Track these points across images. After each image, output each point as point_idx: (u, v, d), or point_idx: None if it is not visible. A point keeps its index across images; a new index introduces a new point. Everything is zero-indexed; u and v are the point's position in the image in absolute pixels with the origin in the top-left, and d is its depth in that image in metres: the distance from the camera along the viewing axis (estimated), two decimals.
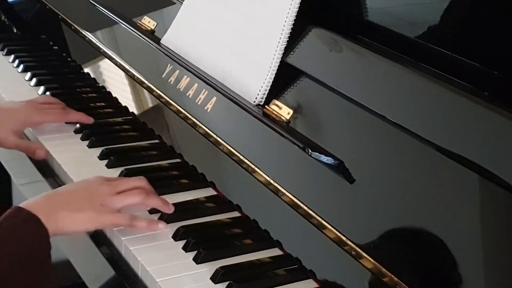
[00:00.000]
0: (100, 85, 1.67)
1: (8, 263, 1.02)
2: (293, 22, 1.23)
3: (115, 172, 1.31)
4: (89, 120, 1.47)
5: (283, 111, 1.21)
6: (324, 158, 1.08)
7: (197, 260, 1.10)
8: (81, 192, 1.14)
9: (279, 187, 1.14)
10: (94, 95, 1.64)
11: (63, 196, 1.13)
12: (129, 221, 1.14)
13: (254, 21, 1.30)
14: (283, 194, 1.13)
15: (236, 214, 1.22)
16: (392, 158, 1.04)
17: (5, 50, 1.84)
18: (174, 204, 1.22)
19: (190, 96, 1.36)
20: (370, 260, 0.99)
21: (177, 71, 1.41)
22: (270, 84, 1.25)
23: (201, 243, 1.12)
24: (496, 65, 1.04)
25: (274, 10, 1.26)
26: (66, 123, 1.48)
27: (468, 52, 1.08)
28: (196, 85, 1.35)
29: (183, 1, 1.47)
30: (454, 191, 0.95)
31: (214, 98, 1.31)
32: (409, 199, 1.00)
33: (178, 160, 1.38)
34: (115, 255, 1.16)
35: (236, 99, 1.27)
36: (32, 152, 1.40)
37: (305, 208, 1.09)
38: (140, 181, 1.20)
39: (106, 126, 1.50)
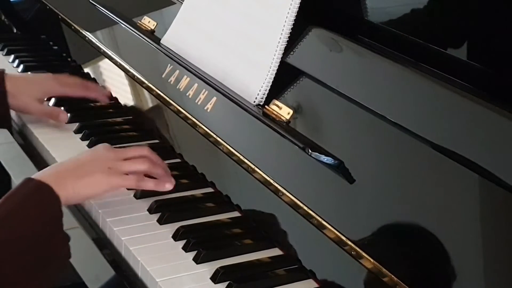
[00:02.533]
0: (100, 85, 1.67)
1: (22, 232, 1.04)
2: (293, 22, 1.23)
3: None
4: (106, 99, 1.56)
5: (283, 111, 1.21)
6: (324, 158, 1.08)
7: (197, 260, 1.10)
8: (88, 158, 1.18)
9: (279, 187, 1.14)
10: None
11: (71, 164, 1.17)
12: (137, 182, 1.19)
13: (254, 21, 1.30)
14: (283, 194, 1.13)
15: (236, 214, 1.22)
16: (392, 158, 1.04)
17: (5, 50, 1.83)
18: (174, 204, 1.22)
19: (190, 96, 1.36)
20: (370, 260, 0.99)
21: (177, 71, 1.41)
22: (270, 84, 1.25)
23: (201, 243, 1.12)
24: (496, 65, 1.04)
25: (274, 10, 1.26)
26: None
27: (468, 52, 1.08)
28: (196, 85, 1.36)
29: (183, 1, 1.47)
30: (454, 191, 0.95)
31: (214, 98, 1.31)
32: (409, 199, 1.00)
33: (178, 160, 1.38)
34: (115, 255, 1.16)
35: (236, 99, 1.27)
36: (56, 116, 1.47)
37: (305, 208, 1.09)
38: (144, 150, 1.24)
39: (106, 126, 1.50)
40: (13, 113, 1.51)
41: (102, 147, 1.22)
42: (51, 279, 1.08)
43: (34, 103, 1.46)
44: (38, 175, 1.12)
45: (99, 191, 1.17)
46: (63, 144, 1.42)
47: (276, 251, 1.14)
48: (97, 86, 1.61)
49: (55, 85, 1.51)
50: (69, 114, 1.50)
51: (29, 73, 1.68)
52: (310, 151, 1.10)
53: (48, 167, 1.17)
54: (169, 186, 1.22)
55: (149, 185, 1.21)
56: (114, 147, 1.24)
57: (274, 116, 1.21)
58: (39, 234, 1.06)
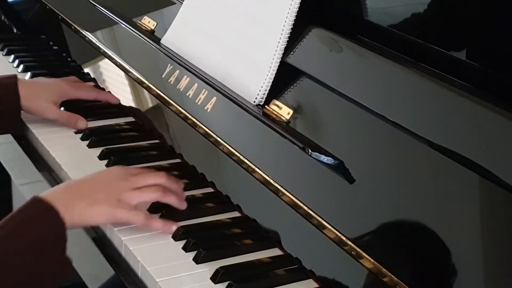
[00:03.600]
0: (100, 85, 1.67)
1: (24, 253, 1.04)
2: (293, 22, 1.23)
3: None
4: (116, 100, 1.56)
5: (283, 111, 1.21)
6: (324, 158, 1.08)
7: (197, 260, 1.10)
8: (100, 185, 1.16)
9: (279, 187, 1.14)
10: None
11: (83, 188, 1.15)
12: (144, 220, 1.15)
13: (254, 21, 1.30)
14: (283, 194, 1.13)
15: (236, 214, 1.22)
16: (392, 158, 1.04)
17: (5, 50, 1.83)
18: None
19: (190, 96, 1.36)
20: (370, 260, 0.99)
21: (177, 71, 1.41)
22: (270, 84, 1.25)
23: (201, 243, 1.12)
24: (496, 65, 1.04)
25: (274, 10, 1.26)
26: (89, 99, 1.53)
27: (468, 52, 1.08)
28: (196, 85, 1.36)
29: (183, 1, 1.47)
30: (454, 191, 0.95)
31: (214, 98, 1.31)
32: (409, 199, 1.00)
33: (178, 160, 1.38)
34: (115, 255, 1.16)
35: (236, 99, 1.27)
36: (74, 123, 1.47)
37: (305, 208, 1.09)
38: (160, 178, 1.20)
39: (106, 126, 1.50)
40: None
41: (116, 172, 1.20)
42: None
43: (52, 107, 1.47)
44: (48, 194, 1.11)
45: (104, 222, 1.16)
46: (63, 144, 1.42)
47: (276, 251, 1.14)
48: (106, 91, 1.61)
49: (70, 89, 1.52)
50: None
51: (40, 78, 1.66)
52: (310, 151, 1.10)
53: (61, 185, 1.16)
54: (174, 227, 1.16)
55: (157, 225, 1.16)
56: (113, 147, 1.23)
57: (274, 116, 1.21)
58: (40, 257, 1.05)
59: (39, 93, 1.46)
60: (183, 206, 1.20)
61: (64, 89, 1.51)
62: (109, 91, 1.62)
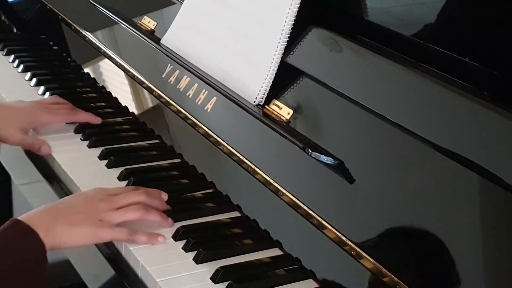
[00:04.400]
0: (100, 85, 1.67)
1: (3, 276, 1.02)
2: (293, 22, 1.23)
3: (115, 172, 1.31)
4: (97, 120, 1.49)
5: (283, 111, 1.21)
6: (324, 158, 1.08)
7: (197, 260, 1.10)
8: (80, 207, 1.14)
9: (279, 187, 1.14)
10: (94, 95, 1.64)
11: (62, 210, 1.12)
12: (128, 236, 1.13)
13: (254, 21, 1.30)
14: (283, 194, 1.13)
15: (236, 214, 1.22)
16: (392, 158, 1.04)
17: (5, 50, 1.83)
18: (174, 204, 1.22)
19: (190, 96, 1.36)
20: (370, 260, 0.99)
21: (177, 71, 1.41)
22: (270, 84, 1.25)
23: (201, 243, 1.12)
24: (496, 65, 1.04)
25: (274, 10, 1.26)
26: (66, 123, 1.48)
27: (468, 52, 1.08)
28: (196, 85, 1.35)
29: (183, 1, 1.47)
30: (454, 191, 0.95)
31: (214, 98, 1.31)
32: (409, 199, 1.00)
33: (178, 160, 1.38)
34: (115, 255, 1.16)
35: (236, 99, 1.27)
36: (38, 148, 1.40)
37: (305, 208, 1.09)
38: (140, 196, 1.18)
39: (106, 126, 1.50)
40: None
41: (96, 195, 1.16)
42: None
43: (16, 135, 1.40)
44: (27, 217, 1.08)
45: (86, 243, 1.13)
46: (63, 145, 1.42)
47: (276, 251, 1.14)
48: (86, 112, 1.51)
49: (43, 115, 1.45)
50: None
51: (6, 99, 1.62)
52: (310, 151, 1.10)
53: (39, 208, 1.12)
54: (161, 240, 1.14)
55: (142, 239, 1.13)
56: (113, 147, 1.22)
57: (274, 116, 1.21)
58: (22, 277, 1.03)
59: (6, 117, 1.41)
60: (165, 223, 1.17)
61: (37, 115, 1.45)
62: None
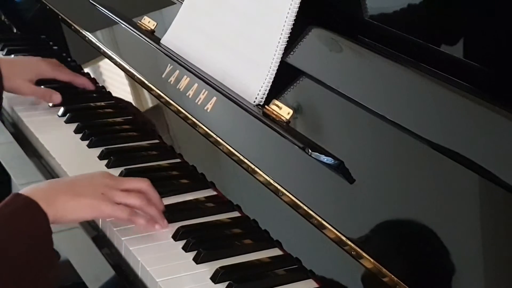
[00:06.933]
0: (100, 85, 1.67)
1: (8, 250, 1.02)
2: (293, 22, 1.23)
3: (115, 172, 1.31)
4: (92, 86, 1.62)
5: (283, 111, 1.21)
6: (324, 158, 1.08)
7: (197, 260, 1.10)
8: (84, 181, 1.15)
9: (279, 187, 1.14)
10: (94, 95, 1.64)
11: (65, 183, 1.15)
12: (128, 215, 1.14)
13: (254, 21, 1.30)
14: (283, 194, 1.13)
15: (236, 214, 1.22)
16: (392, 158, 1.04)
17: (5, 50, 1.83)
18: (174, 204, 1.22)
19: (190, 96, 1.36)
20: (370, 260, 0.99)
21: (177, 71, 1.41)
22: (270, 84, 1.25)
23: (201, 243, 1.12)
24: (496, 64, 1.04)
25: (274, 10, 1.26)
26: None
27: (468, 52, 1.08)
28: (196, 85, 1.35)
29: (183, 1, 1.47)
30: (454, 191, 0.95)
31: (214, 98, 1.31)
32: (409, 199, 1.00)
33: (178, 160, 1.38)
34: (115, 255, 1.16)
35: (236, 99, 1.27)
36: (49, 97, 1.54)
37: (305, 208, 1.09)
38: (144, 183, 1.19)
39: (106, 126, 1.50)
40: (5, 103, 1.54)
41: (100, 173, 1.18)
42: None
43: (27, 84, 1.52)
44: (28, 190, 1.09)
45: (87, 216, 1.14)
46: (63, 144, 1.42)
47: (276, 251, 1.14)
48: (83, 77, 1.65)
49: (47, 68, 1.58)
50: (68, 114, 1.50)
51: (20, 56, 1.74)
52: (310, 151, 1.10)
53: (43, 182, 1.13)
54: (158, 227, 1.15)
55: (140, 222, 1.14)
56: (113, 147, 1.23)
57: (274, 116, 1.21)
58: (28, 250, 1.03)
59: (17, 71, 1.52)
60: (163, 224, 1.17)
61: (42, 68, 1.57)
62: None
